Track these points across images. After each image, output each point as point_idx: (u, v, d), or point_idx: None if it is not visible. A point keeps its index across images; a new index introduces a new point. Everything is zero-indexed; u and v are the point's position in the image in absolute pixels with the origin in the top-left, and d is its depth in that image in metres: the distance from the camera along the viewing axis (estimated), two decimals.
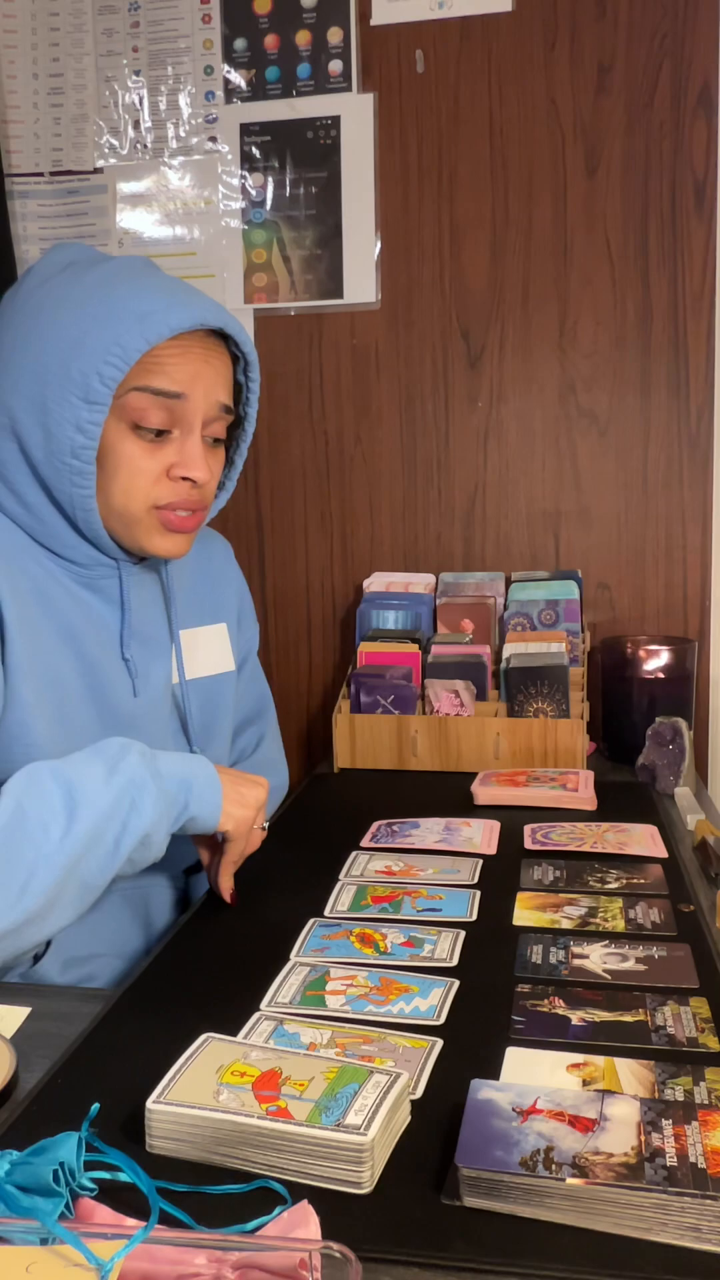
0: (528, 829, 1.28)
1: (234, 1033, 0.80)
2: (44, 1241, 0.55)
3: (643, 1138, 0.65)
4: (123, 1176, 0.63)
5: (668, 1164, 0.62)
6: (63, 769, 0.94)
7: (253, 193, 1.89)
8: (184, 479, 1.08)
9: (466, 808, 1.39)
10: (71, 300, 1.05)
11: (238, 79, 1.86)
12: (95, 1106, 0.69)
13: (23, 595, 1.06)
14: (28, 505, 1.08)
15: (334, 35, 1.81)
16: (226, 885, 1.10)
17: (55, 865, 0.89)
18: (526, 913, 1.04)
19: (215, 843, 1.12)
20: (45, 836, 0.90)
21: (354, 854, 1.22)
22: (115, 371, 1.02)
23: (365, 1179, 0.64)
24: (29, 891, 0.88)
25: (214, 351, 1.09)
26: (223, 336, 1.11)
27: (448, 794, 1.44)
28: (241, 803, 1.06)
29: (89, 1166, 0.64)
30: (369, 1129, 0.65)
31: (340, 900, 1.08)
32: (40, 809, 0.91)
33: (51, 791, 0.92)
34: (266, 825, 1.12)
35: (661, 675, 1.69)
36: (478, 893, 1.10)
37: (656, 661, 1.70)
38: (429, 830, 1.28)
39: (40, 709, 1.05)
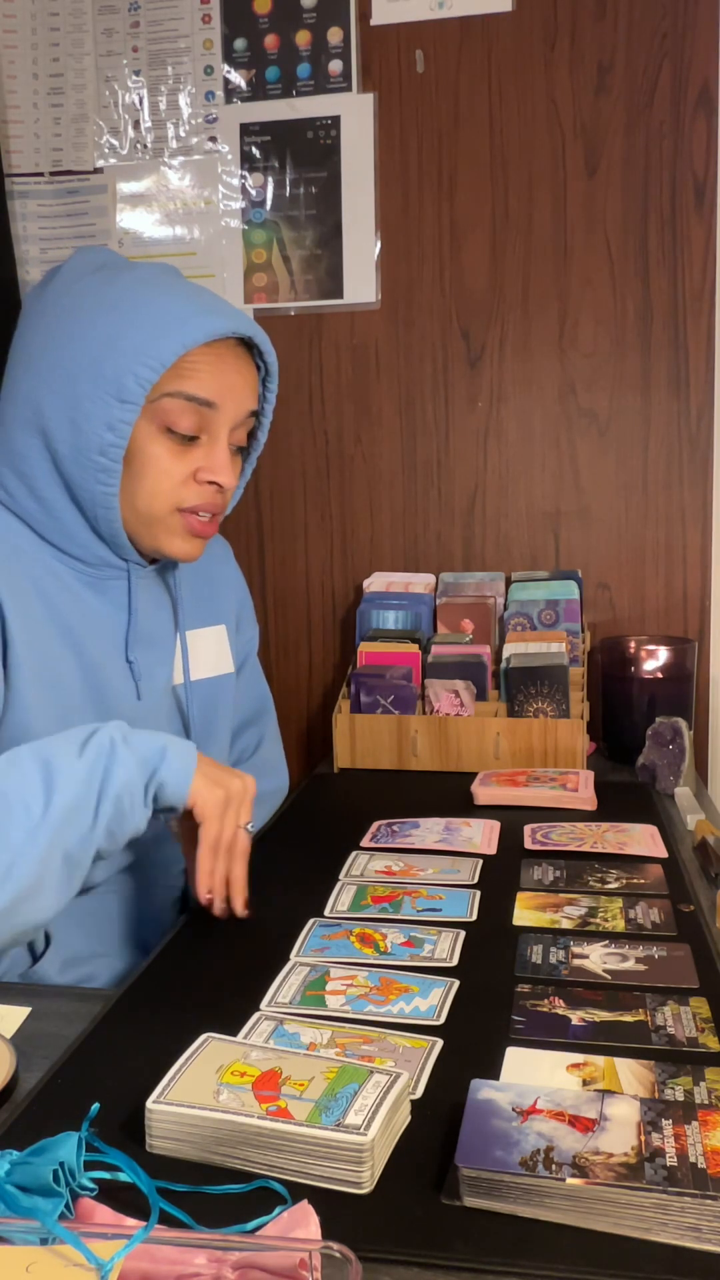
0: (528, 829, 1.28)
1: (234, 1033, 0.80)
2: (44, 1241, 0.55)
3: (643, 1138, 0.65)
4: (123, 1176, 0.63)
5: (668, 1164, 0.62)
6: (39, 748, 0.95)
7: (253, 193, 1.89)
8: (209, 483, 1.10)
9: (466, 808, 1.39)
10: (107, 301, 1.06)
11: (238, 79, 1.86)
12: (95, 1106, 0.69)
13: (24, 596, 1.06)
14: (43, 501, 1.08)
15: (334, 35, 1.81)
16: (204, 880, 1.01)
17: (39, 841, 0.90)
18: (526, 913, 1.04)
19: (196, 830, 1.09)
20: (27, 814, 0.90)
21: (354, 854, 1.22)
22: (150, 373, 1.03)
23: (365, 1179, 0.64)
24: (16, 869, 0.88)
25: (244, 361, 1.12)
26: (248, 345, 1.12)
27: (448, 794, 1.44)
28: (214, 782, 1.00)
29: (89, 1166, 0.64)
30: (369, 1129, 0.65)
31: (340, 900, 1.08)
32: (20, 788, 0.91)
33: (30, 770, 0.92)
34: (252, 828, 1.05)
35: (661, 675, 1.69)
36: (478, 893, 1.10)
37: (656, 661, 1.70)
38: (429, 830, 1.28)
39: (41, 710, 1.05)
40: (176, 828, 1.08)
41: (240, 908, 1.04)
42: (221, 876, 1.03)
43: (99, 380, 1.03)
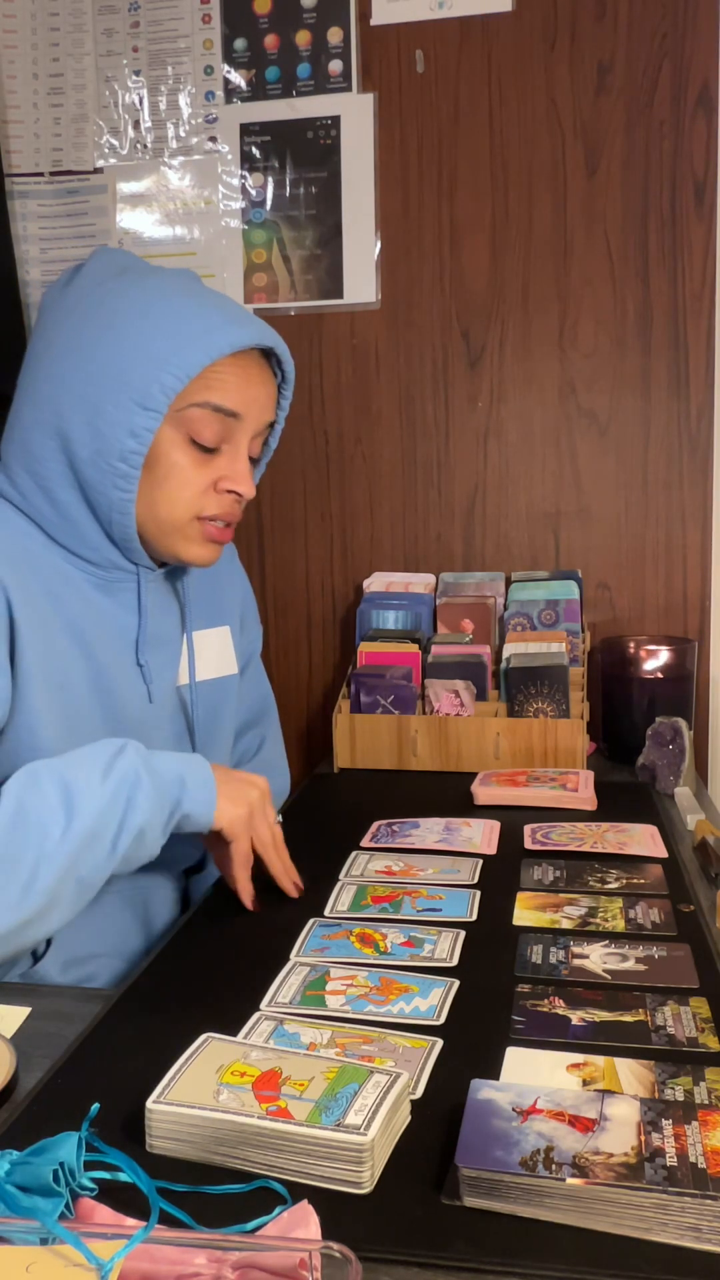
0: (528, 829, 1.28)
1: (234, 1033, 0.80)
2: (44, 1241, 0.55)
3: (643, 1138, 0.65)
4: (123, 1176, 0.63)
5: (668, 1164, 0.62)
6: (60, 768, 0.95)
7: (253, 193, 1.89)
8: (229, 492, 1.11)
9: (466, 808, 1.39)
10: (133, 307, 1.06)
11: (238, 79, 1.86)
12: (95, 1106, 0.69)
13: (34, 598, 1.06)
14: (57, 503, 1.08)
15: (334, 35, 1.81)
16: (244, 889, 1.08)
17: (55, 864, 0.90)
18: (526, 913, 1.04)
19: (226, 844, 1.11)
20: (45, 836, 0.90)
21: (354, 854, 1.22)
22: (175, 382, 1.03)
23: (365, 1179, 0.64)
24: (31, 891, 0.88)
25: (265, 371, 1.13)
26: (266, 354, 1.13)
27: (448, 794, 1.44)
28: (236, 800, 1.05)
29: (89, 1166, 0.64)
30: (369, 1129, 0.65)
31: (340, 900, 1.08)
32: (40, 809, 0.91)
33: (50, 791, 0.92)
34: (280, 819, 1.11)
35: (661, 675, 1.69)
36: (478, 893, 1.10)
37: (656, 661, 1.70)
38: (429, 830, 1.28)
39: (49, 713, 1.05)
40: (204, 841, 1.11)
41: (296, 887, 1.11)
42: (279, 870, 1.10)
43: (123, 387, 1.03)
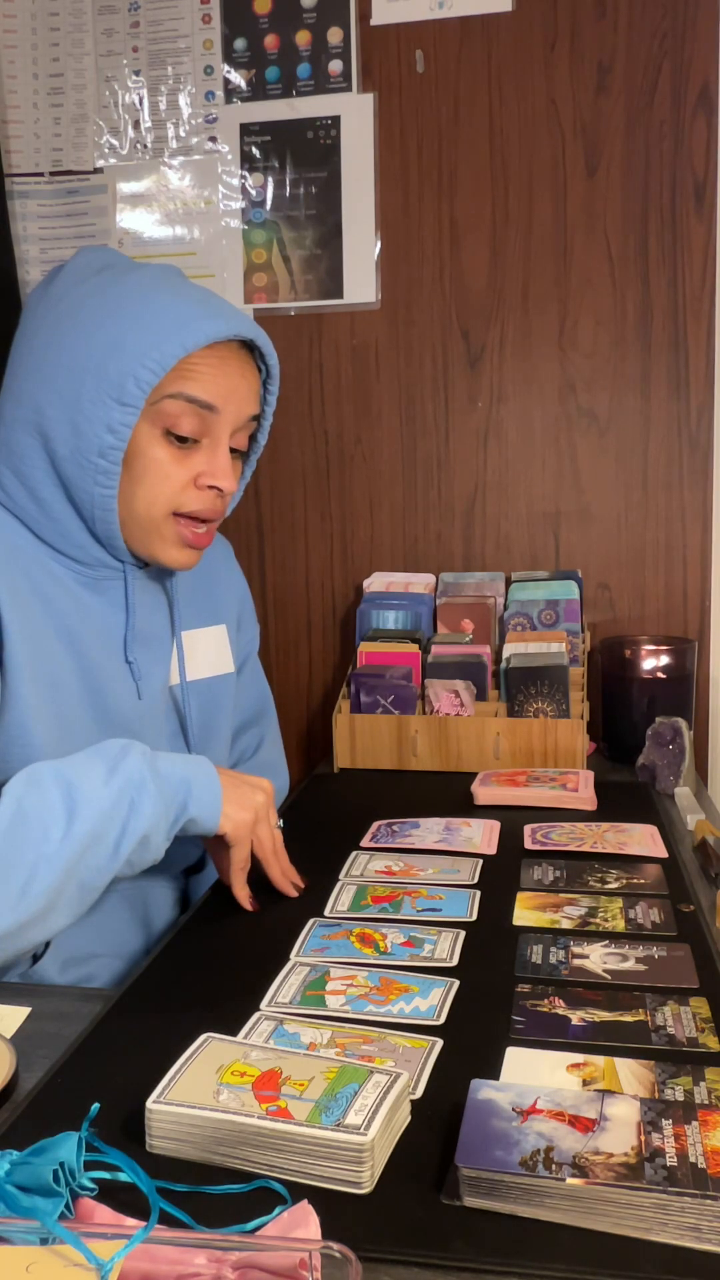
0: (528, 829, 1.28)
1: (234, 1033, 0.80)
2: (44, 1241, 0.55)
3: (643, 1138, 0.65)
4: (123, 1176, 0.63)
5: (668, 1164, 0.62)
6: (63, 769, 0.94)
7: (253, 193, 1.89)
8: (210, 487, 1.10)
9: (466, 808, 1.39)
10: (110, 303, 1.06)
11: (238, 79, 1.86)
12: (95, 1106, 0.69)
13: (22, 596, 1.06)
14: (41, 502, 1.08)
15: (334, 35, 1.81)
16: (241, 893, 1.08)
17: (55, 866, 0.89)
18: (526, 913, 1.04)
19: (226, 848, 1.11)
20: (45, 838, 0.90)
21: (354, 854, 1.22)
22: (151, 375, 1.03)
23: (365, 1179, 0.64)
24: (29, 893, 0.88)
25: (246, 363, 1.11)
26: (250, 348, 1.12)
27: (448, 794, 1.44)
28: (241, 804, 1.05)
29: (89, 1166, 0.64)
30: (369, 1129, 0.65)
31: (340, 900, 1.08)
32: (40, 810, 0.91)
33: (52, 792, 0.92)
34: (283, 824, 1.12)
35: (661, 675, 1.69)
36: (478, 893, 1.10)
37: (656, 661, 1.70)
38: (429, 830, 1.28)
39: (39, 711, 1.05)
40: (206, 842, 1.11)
41: (296, 888, 1.11)
42: (277, 875, 1.10)
43: (101, 382, 1.03)
